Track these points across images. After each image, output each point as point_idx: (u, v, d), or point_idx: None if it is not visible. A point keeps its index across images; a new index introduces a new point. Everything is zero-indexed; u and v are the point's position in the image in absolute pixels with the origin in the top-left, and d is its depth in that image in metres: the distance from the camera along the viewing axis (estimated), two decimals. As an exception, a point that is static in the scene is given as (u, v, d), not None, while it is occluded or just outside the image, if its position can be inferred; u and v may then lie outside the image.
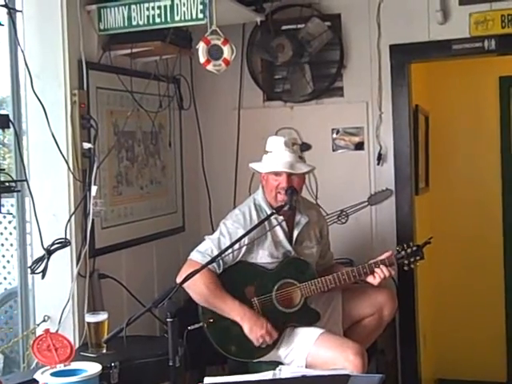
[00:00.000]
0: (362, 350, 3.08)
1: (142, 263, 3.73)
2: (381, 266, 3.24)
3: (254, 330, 3.14)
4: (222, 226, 3.27)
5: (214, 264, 3.11)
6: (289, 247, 3.29)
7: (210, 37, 3.13)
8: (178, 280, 2.90)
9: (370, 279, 3.27)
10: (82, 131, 3.18)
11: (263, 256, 3.24)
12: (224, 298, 3.16)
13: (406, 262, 3.30)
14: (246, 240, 3.10)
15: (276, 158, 3.25)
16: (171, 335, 2.51)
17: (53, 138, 3.04)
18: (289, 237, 3.31)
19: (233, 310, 3.16)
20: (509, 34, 3.77)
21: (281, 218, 3.22)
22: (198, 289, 3.13)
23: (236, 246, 3.06)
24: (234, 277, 3.20)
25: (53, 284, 3.10)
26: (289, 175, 3.23)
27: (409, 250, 3.29)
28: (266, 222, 3.15)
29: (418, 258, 3.30)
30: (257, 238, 3.16)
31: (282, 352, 3.22)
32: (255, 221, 3.22)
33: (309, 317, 3.27)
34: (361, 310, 3.42)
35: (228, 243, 3.12)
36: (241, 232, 3.14)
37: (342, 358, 3.04)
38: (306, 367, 3.08)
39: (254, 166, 3.36)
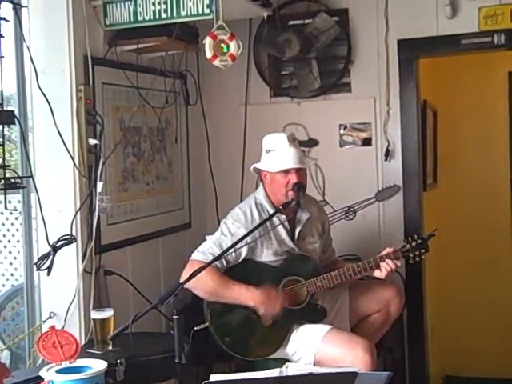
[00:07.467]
0: (372, 347, 3.07)
1: (148, 260, 3.72)
2: (386, 259, 3.24)
3: (267, 310, 3.14)
4: (222, 226, 3.25)
5: (217, 263, 3.08)
6: (292, 245, 3.28)
7: (216, 32, 3.12)
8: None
9: (376, 273, 3.27)
10: (88, 127, 3.17)
11: (267, 255, 3.22)
12: (231, 285, 3.13)
13: (411, 255, 3.30)
14: (248, 239, 3.05)
15: (283, 155, 3.22)
16: (177, 332, 2.49)
17: (58, 134, 3.04)
18: (291, 234, 3.30)
19: (243, 296, 3.14)
20: (518, 29, 3.74)
21: (283, 216, 3.20)
22: (205, 284, 3.10)
23: (238, 246, 3.03)
24: (240, 275, 3.17)
25: (59, 280, 3.10)
26: (297, 170, 3.21)
27: (414, 243, 3.30)
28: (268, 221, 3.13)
29: (423, 250, 3.31)
30: (259, 238, 3.12)
31: (290, 350, 3.20)
32: (257, 220, 3.19)
33: (316, 314, 3.26)
34: (367, 306, 3.41)
35: (229, 243, 3.08)
36: (242, 231, 3.11)
37: (351, 354, 3.02)
38: (315, 365, 3.06)
39: (259, 166, 3.31)
